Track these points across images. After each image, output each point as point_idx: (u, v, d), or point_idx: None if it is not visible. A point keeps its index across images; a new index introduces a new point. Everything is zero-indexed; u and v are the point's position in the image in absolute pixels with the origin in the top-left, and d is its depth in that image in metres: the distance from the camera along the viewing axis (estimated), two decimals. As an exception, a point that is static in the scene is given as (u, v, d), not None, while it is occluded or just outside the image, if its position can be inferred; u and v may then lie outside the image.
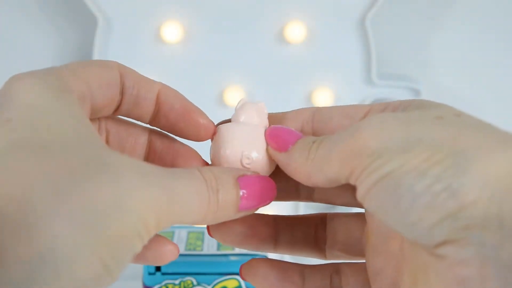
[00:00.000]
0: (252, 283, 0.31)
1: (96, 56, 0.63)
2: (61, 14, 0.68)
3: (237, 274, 0.46)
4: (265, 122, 0.31)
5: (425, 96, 0.65)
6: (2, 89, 0.24)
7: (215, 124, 0.30)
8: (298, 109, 0.31)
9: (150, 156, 0.31)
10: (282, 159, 0.28)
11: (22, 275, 0.20)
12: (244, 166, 0.28)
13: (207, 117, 0.30)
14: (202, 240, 0.49)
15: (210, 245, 0.48)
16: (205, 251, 0.47)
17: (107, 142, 0.30)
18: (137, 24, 0.64)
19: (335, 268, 0.31)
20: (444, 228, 0.21)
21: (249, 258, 0.47)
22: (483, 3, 0.68)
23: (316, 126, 0.30)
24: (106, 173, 0.21)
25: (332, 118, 0.29)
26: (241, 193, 0.26)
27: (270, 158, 0.29)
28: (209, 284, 0.46)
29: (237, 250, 0.47)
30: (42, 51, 0.69)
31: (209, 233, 0.30)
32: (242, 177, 0.27)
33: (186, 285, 0.46)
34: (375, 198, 0.23)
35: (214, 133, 0.30)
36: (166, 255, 0.28)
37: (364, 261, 0.29)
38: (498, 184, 0.21)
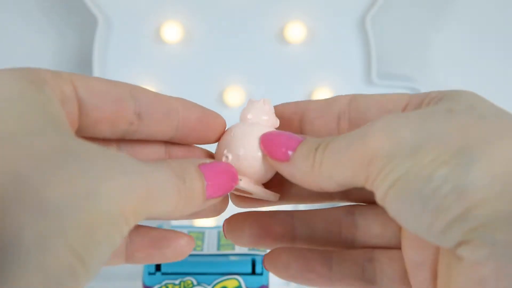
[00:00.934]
0: (274, 274, 0.30)
1: (96, 56, 0.63)
2: (61, 14, 0.68)
3: (237, 274, 0.46)
4: (272, 120, 0.29)
5: (425, 96, 0.65)
6: None
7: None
8: (333, 97, 0.29)
9: None
10: (285, 169, 0.26)
11: None
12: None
13: (222, 122, 0.29)
14: (202, 240, 0.49)
15: (210, 245, 0.48)
16: (205, 251, 0.47)
17: None
18: (137, 24, 0.64)
19: (368, 256, 0.29)
20: (456, 230, 0.21)
21: (249, 258, 0.47)
22: (483, 3, 0.68)
23: (353, 116, 0.28)
24: (75, 161, 0.20)
25: (370, 109, 0.28)
26: (205, 182, 0.25)
27: (267, 161, 0.27)
28: (209, 284, 0.46)
29: (237, 250, 0.47)
30: (42, 51, 0.69)
31: (225, 235, 0.30)
32: (204, 165, 0.26)
33: (186, 285, 0.46)
34: (391, 203, 0.22)
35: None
36: (184, 248, 0.28)
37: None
38: (505, 179, 0.21)
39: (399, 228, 0.28)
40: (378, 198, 0.23)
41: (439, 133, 0.22)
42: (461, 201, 0.20)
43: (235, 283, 0.46)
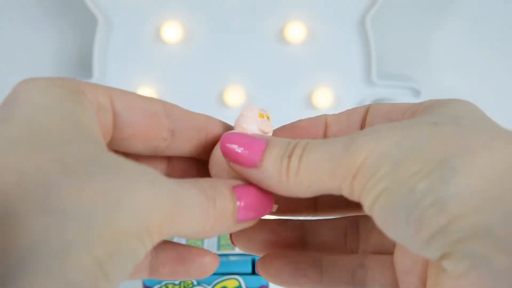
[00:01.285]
0: (266, 279, 0.30)
1: (96, 56, 0.63)
2: (61, 14, 0.68)
3: (237, 274, 0.46)
4: (267, 128, 0.28)
5: (425, 96, 0.65)
6: (11, 90, 0.23)
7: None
8: (352, 108, 0.29)
9: None
10: (253, 177, 0.25)
11: (4, 267, 0.18)
12: None
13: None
14: (202, 240, 0.49)
15: (210, 245, 0.48)
16: None
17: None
18: (137, 24, 0.64)
19: (359, 261, 0.29)
20: (438, 243, 0.21)
21: (249, 258, 0.47)
22: (483, 4, 0.68)
23: (367, 126, 0.28)
24: (104, 172, 0.20)
25: (376, 117, 0.28)
26: (237, 204, 0.24)
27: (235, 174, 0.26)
28: (209, 284, 0.46)
29: (237, 250, 0.47)
30: (42, 51, 0.69)
31: (232, 242, 0.29)
32: (238, 187, 0.25)
33: (186, 285, 0.46)
34: (378, 215, 0.22)
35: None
36: (209, 267, 0.27)
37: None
38: (484, 193, 0.21)
39: None
40: (366, 209, 0.23)
41: (421, 146, 0.22)
42: (442, 214, 0.21)
43: (235, 283, 0.46)
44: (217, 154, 0.28)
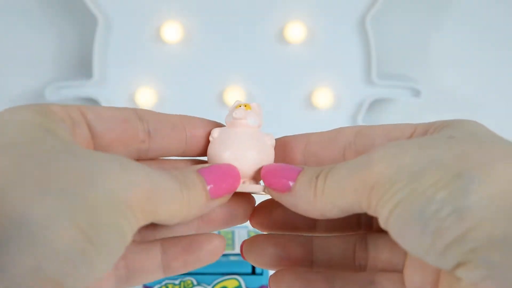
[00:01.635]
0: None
1: (96, 56, 0.63)
2: (61, 14, 0.68)
3: (237, 274, 0.46)
4: (258, 122, 0.30)
5: (425, 96, 0.65)
6: None
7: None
8: (337, 129, 0.30)
9: None
10: (287, 200, 0.27)
11: None
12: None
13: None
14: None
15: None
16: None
17: None
18: (137, 24, 0.64)
19: (370, 279, 0.29)
20: (455, 252, 0.21)
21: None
22: (483, 3, 0.68)
23: (359, 149, 0.29)
24: (77, 158, 0.22)
25: (376, 139, 0.28)
26: (205, 181, 0.26)
27: (257, 167, 0.28)
28: (209, 284, 0.46)
29: (237, 250, 0.47)
30: (42, 51, 0.69)
31: (242, 256, 0.30)
32: (202, 168, 0.27)
33: (186, 285, 0.46)
34: (394, 226, 0.23)
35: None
36: (218, 249, 0.28)
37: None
38: (501, 203, 0.21)
39: (405, 254, 0.29)
40: (381, 221, 0.23)
41: (439, 158, 0.23)
42: (460, 223, 0.21)
43: (235, 283, 0.46)
44: (211, 153, 0.29)
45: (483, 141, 0.24)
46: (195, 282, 0.46)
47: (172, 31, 0.63)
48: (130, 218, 0.23)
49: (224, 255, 0.47)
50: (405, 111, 0.71)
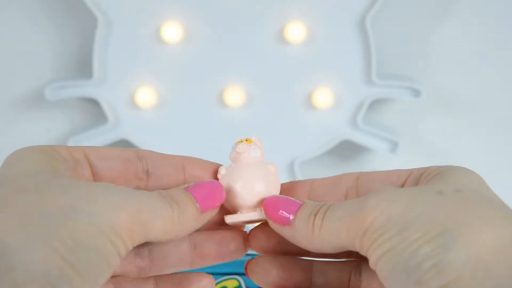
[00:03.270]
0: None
1: (96, 56, 0.63)
2: (61, 14, 0.68)
3: (237, 274, 0.46)
4: (260, 153, 0.32)
5: (425, 96, 0.65)
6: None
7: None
8: (339, 175, 0.32)
9: None
10: (287, 233, 0.29)
11: None
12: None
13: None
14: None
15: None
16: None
17: None
18: (137, 24, 0.64)
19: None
20: None
21: (249, 258, 0.47)
22: (483, 3, 0.68)
23: (360, 192, 0.31)
24: (70, 186, 0.24)
25: (374, 184, 0.30)
26: (194, 198, 0.28)
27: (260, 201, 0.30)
28: (209, 284, 0.46)
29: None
30: (42, 51, 0.69)
31: (246, 275, 0.32)
32: (189, 187, 0.29)
33: (186, 285, 0.46)
34: (381, 271, 0.25)
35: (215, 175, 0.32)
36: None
37: None
38: (480, 262, 0.23)
39: None
40: (371, 263, 0.26)
41: (426, 214, 0.25)
42: (440, 277, 0.23)
43: (235, 283, 0.46)
44: (221, 170, 0.31)
45: (470, 200, 0.26)
46: (195, 282, 0.46)
47: (172, 31, 0.63)
48: (115, 241, 0.24)
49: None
50: (405, 111, 0.71)
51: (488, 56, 0.69)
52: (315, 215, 0.27)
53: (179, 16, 0.64)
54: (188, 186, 0.29)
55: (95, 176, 0.29)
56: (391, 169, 0.31)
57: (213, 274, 0.41)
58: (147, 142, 0.66)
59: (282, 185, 0.32)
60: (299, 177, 0.66)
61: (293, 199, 0.29)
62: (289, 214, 0.28)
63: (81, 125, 0.70)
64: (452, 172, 0.28)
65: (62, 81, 0.65)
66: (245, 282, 0.46)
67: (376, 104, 0.68)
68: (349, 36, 0.64)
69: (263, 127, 0.67)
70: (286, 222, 0.28)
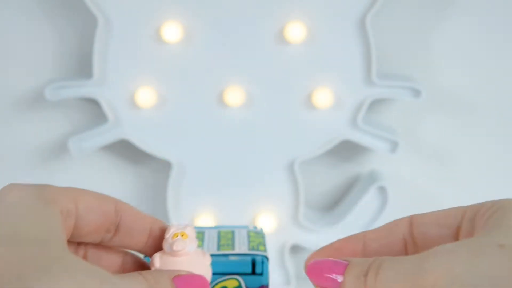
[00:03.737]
0: None
1: (96, 56, 0.63)
2: (61, 14, 0.68)
3: (237, 274, 0.46)
4: (195, 246, 0.32)
5: (425, 96, 0.65)
6: None
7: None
8: (390, 223, 0.30)
9: None
10: None
11: None
12: None
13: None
14: (202, 240, 0.49)
15: (210, 245, 0.48)
16: (205, 251, 0.47)
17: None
18: (137, 24, 0.64)
19: None
20: None
21: (249, 258, 0.47)
22: (484, 3, 0.68)
23: (417, 240, 0.30)
24: (65, 272, 0.24)
25: (428, 229, 0.29)
26: None
27: None
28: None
29: (237, 250, 0.47)
30: (42, 51, 0.69)
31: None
32: (177, 277, 0.28)
33: (186, 285, 0.46)
34: None
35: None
36: None
37: None
38: None
39: None
40: None
41: (491, 274, 0.24)
42: None
43: (235, 283, 0.46)
44: (155, 262, 0.31)
45: None
46: (195, 282, 0.46)
47: (172, 31, 0.63)
48: None
49: (224, 255, 0.47)
50: (405, 111, 0.71)
51: (488, 56, 0.69)
52: (365, 276, 0.26)
53: (179, 16, 0.64)
54: (178, 276, 0.28)
55: (75, 229, 0.29)
56: (442, 209, 0.29)
57: (213, 274, 0.41)
58: (147, 142, 0.66)
59: (327, 247, 0.31)
60: (299, 177, 0.66)
61: (335, 259, 0.27)
62: (337, 275, 0.27)
63: (81, 125, 0.70)
64: (507, 212, 0.26)
65: (62, 81, 0.65)
66: (245, 282, 0.46)
67: (376, 104, 0.68)
68: (349, 36, 0.64)
69: (263, 127, 0.67)
70: (334, 285, 0.27)
